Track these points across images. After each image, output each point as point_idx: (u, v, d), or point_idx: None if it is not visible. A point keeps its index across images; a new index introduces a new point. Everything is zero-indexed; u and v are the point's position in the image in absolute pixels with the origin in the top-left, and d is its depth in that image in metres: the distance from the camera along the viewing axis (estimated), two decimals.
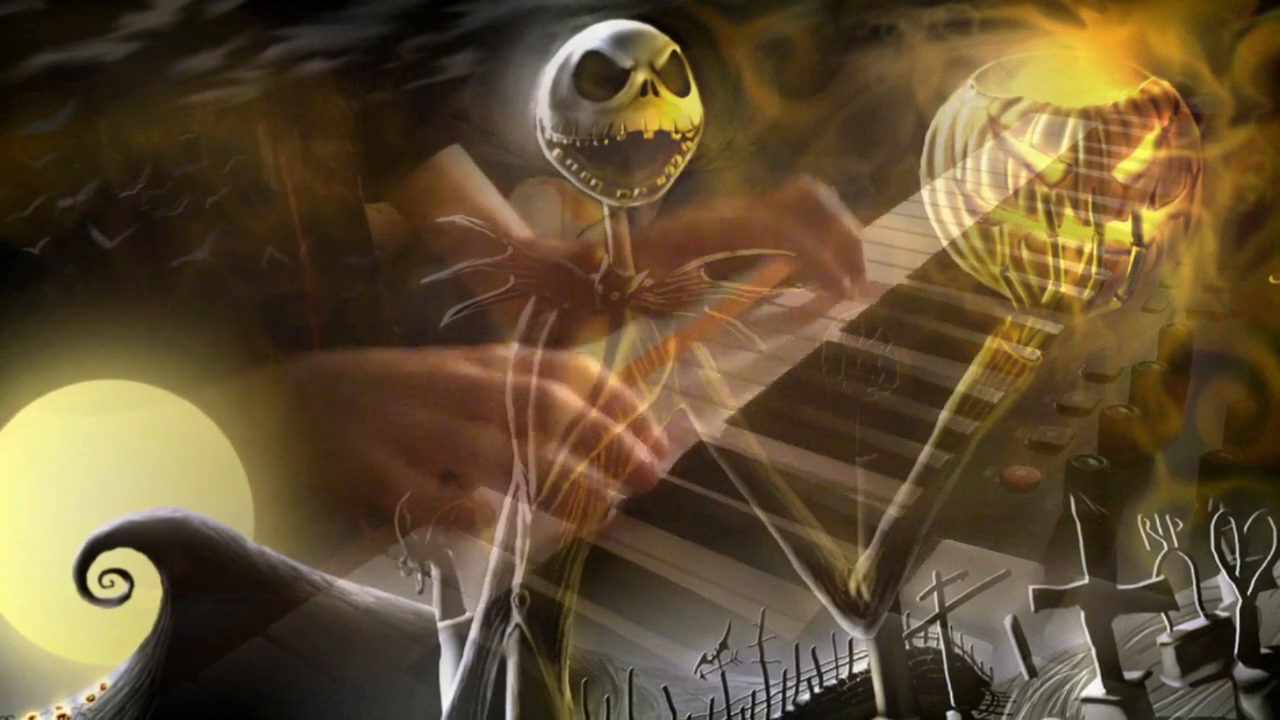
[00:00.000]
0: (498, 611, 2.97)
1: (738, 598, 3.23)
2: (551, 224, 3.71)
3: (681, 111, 2.88)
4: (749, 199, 3.59)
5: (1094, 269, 3.59)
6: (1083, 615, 3.27)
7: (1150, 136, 3.61)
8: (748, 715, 3.25)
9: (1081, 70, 3.63)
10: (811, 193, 3.64)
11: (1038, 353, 3.57)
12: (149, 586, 3.20)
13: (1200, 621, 3.32)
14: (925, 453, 3.26)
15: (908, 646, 3.17)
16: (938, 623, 3.17)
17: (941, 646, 3.16)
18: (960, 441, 3.34)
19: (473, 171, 3.67)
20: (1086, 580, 3.27)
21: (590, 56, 2.86)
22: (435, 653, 3.23)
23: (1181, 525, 3.33)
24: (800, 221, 3.62)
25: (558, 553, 2.98)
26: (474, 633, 2.98)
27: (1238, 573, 3.28)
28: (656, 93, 2.85)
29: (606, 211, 2.94)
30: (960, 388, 3.43)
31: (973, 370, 3.51)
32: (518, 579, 2.96)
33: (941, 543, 3.35)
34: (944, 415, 3.36)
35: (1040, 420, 3.78)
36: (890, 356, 3.41)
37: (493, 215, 3.59)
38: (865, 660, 3.20)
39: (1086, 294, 3.61)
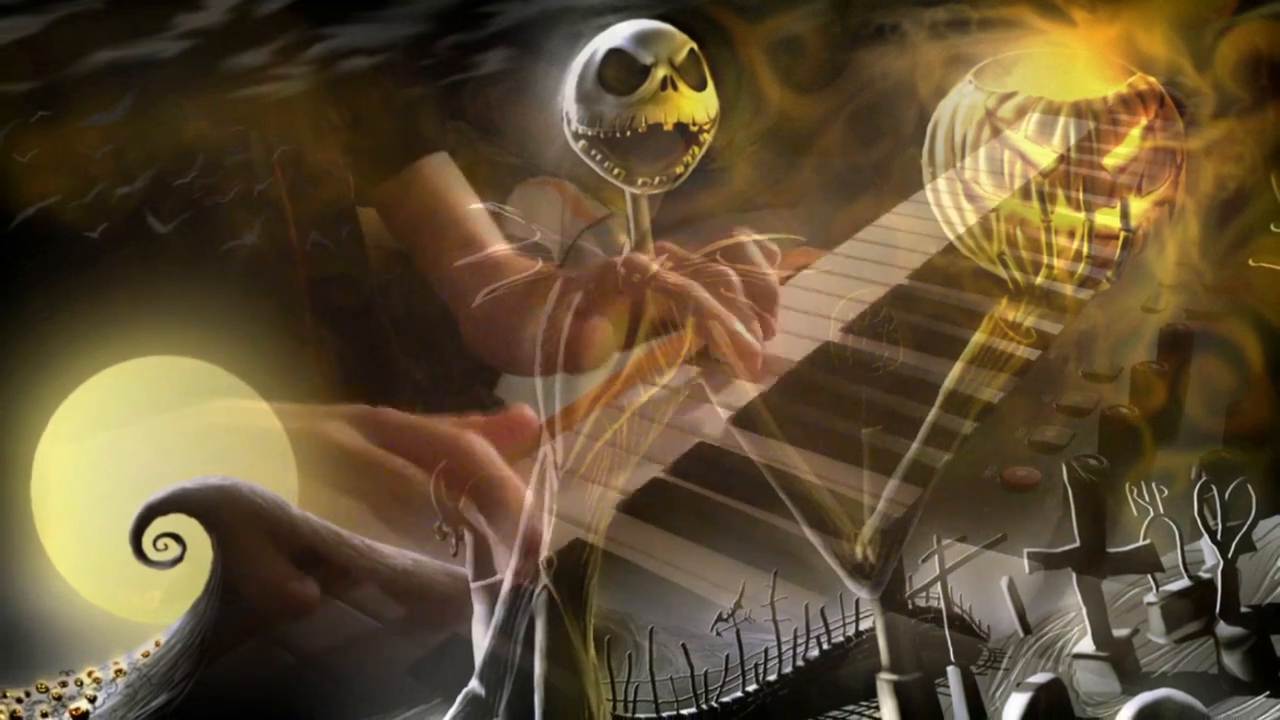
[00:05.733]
0: (526, 573, 2.98)
1: (734, 595, 3.25)
2: (551, 223, 3.71)
3: (699, 105, 2.89)
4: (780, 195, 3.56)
5: (1085, 252, 3.60)
6: (1074, 577, 3.30)
7: (1137, 129, 3.61)
8: (760, 670, 3.28)
9: (1073, 66, 3.63)
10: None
11: (1034, 346, 3.59)
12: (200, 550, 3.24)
13: (1184, 582, 3.36)
14: (918, 446, 3.30)
15: (910, 606, 3.20)
16: (938, 583, 3.21)
17: (942, 606, 3.19)
18: (954, 437, 3.37)
19: (456, 178, 3.66)
20: (1078, 544, 3.30)
21: (614, 53, 2.87)
22: (434, 652, 3.26)
23: (1167, 492, 3.36)
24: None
25: (582, 527, 3.01)
26: (504, 593, 3.00)
27: (1219, 537, 3.31)
28: (676, 88, 2.86)
29: (629, 199, 2.95)
30: (956, 371, 3.46)
31: (971, 348, 3.53)
32: (545, 542, 2.98)
33: (942, 542, 3.35)
34: (946, 386, 3.40)
35: (1040, 420, 3.75)
36: (894, 334, 3.43)
37: (470, 223, 3.58)
38: (870, 619, 3.23)
39: (1077, 277, 3.63)
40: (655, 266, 2.99)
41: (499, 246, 3.40)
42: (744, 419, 3.16)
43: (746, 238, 3.17)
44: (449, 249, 3.49)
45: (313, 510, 3.28)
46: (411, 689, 3.25)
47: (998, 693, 3.27)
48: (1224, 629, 3.28)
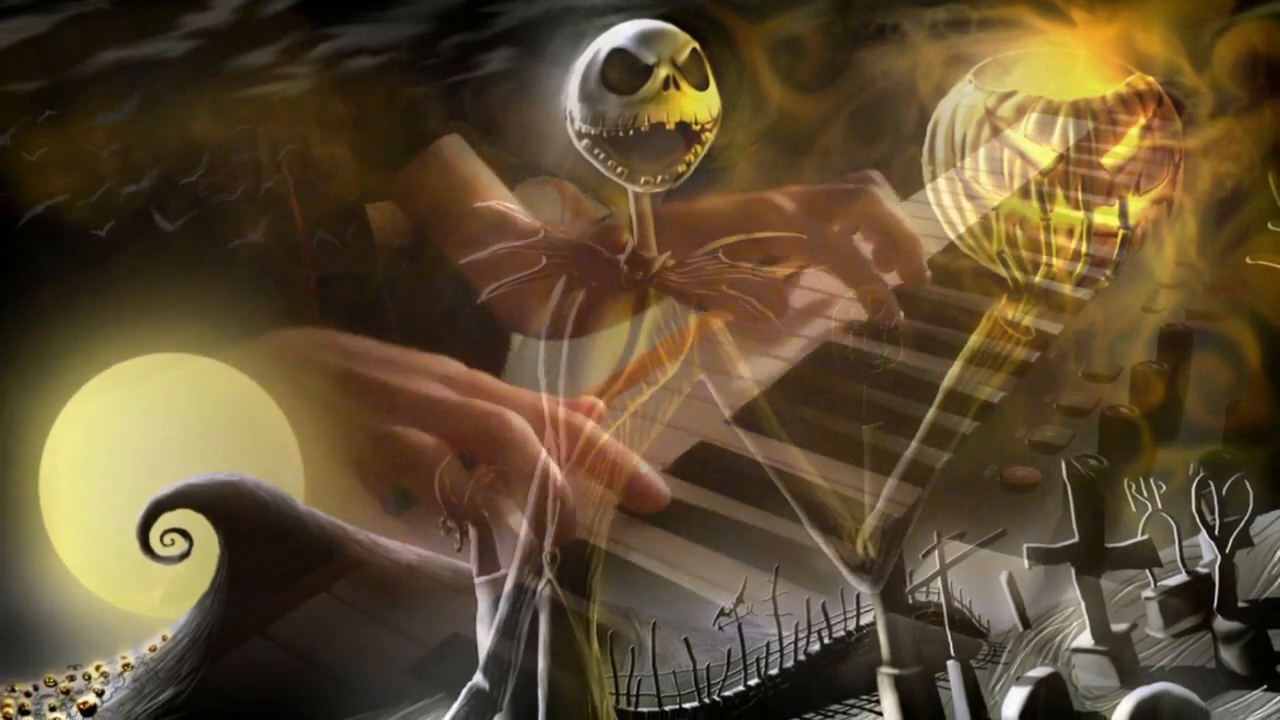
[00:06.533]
0: (530, 569, 2.99)
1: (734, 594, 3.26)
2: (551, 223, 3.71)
3: (701, 104, 2.89)
4: (806, 193, 3.59)
5: (1083, 250, 3.61)
6: (1073, 572, 3.31)
7: (1136, 128, 3.62)
8: (762, 664, 3.29)
9: (1072, 66, 3.63)
10: (869, 187, 3.64)
11: (1032, 330, 3.60)
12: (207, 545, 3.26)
13: (1182, 577, 3.37)
14: (917, 445, 3.31)
15: (911, 601, 3.20)
16: (938, 578, 3.21)
17: (942, 601, 3.20)
18: (954, 436, 3.38)
19: (475, 163, 3.67)
20: (1077, 540, 3.31)
21: (616, 53, 2.87)
22: (435, 651, 3.28)
23: (1165, 488, 3.37)
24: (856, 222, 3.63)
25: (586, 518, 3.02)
26: (508, 588, 3.01)
27: (1217, 532, 3.32)
28: (678, 87, 2.86)
29: (631, 197, 2.95)
30: (956, 370, 3.47)
31: (971, 347, 3.54)
32: (549, 539, 2.98)
33: (942, 538, 3.35)
34: (945, 385, 3.41)
35: (1040, 420, 3.75)
36: (894, 333, 3.44)
37: (493, 209, 3.59)
38: (871, 614, 3.24)
39: (1076, 275, 3.63)
40: (659, 264, 2.99)
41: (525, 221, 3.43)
42: (747, 419, 3.16)
43: (748, 235, 3.16)
44: (469, 237, 3.49)
45: (319, 505, 3.30)
46: (413, 688, 3.27)
47: (997, 687, 3.28)
48: (1221, 624, 3.29)
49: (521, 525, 3.02)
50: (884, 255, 3.61)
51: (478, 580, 3.06)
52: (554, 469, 3.01)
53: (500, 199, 3.56)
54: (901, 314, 3.59)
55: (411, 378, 3.34)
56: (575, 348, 3.02)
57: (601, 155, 2.89)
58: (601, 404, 3.04)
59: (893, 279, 3.62)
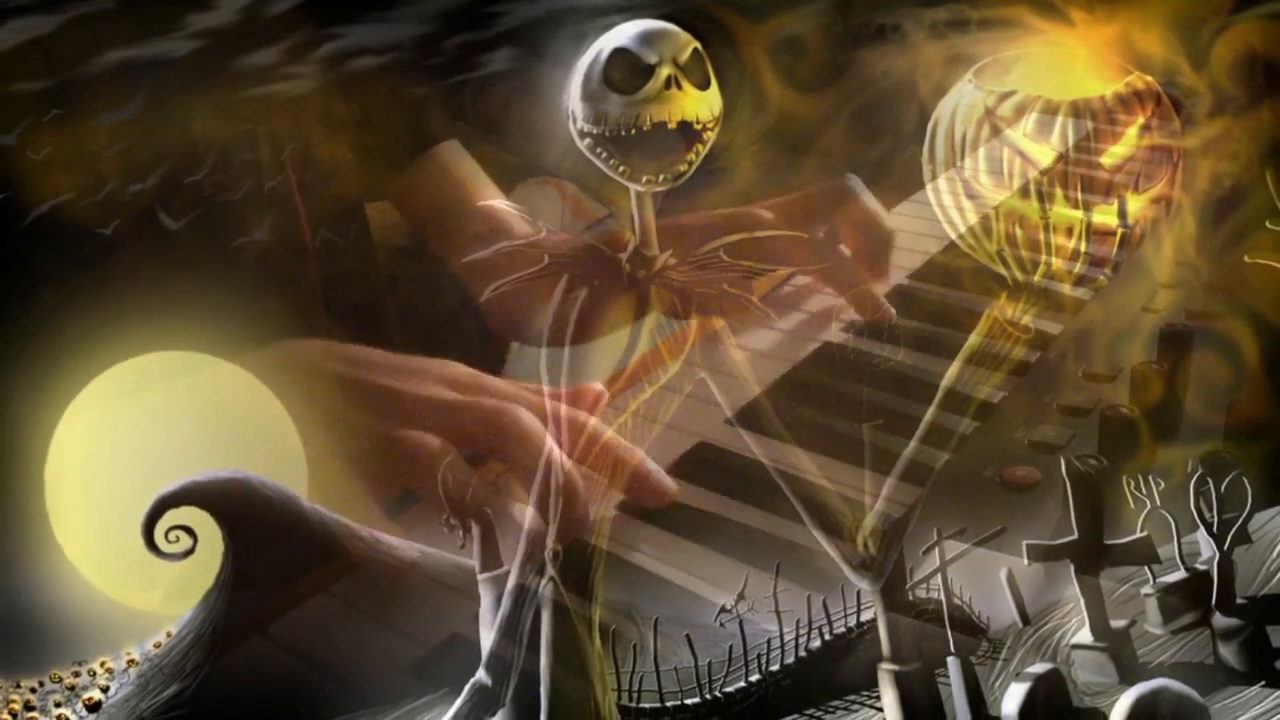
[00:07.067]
0: (533, 565, 3.00)
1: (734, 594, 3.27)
2: (551, 223, 3.71)
3: (703, 104, 2.89)
4: (783, 193, 3.60)
5: (1083, 249, 3.62)
6: (1073, 569, 3.32)
7: (1134, 127, 3.63)
8: (763, 660, 3.30)
9: (1072, 66, 3.64)
10: (847, 187, 3.66)
11: (1031, 329, 3.61)
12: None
13: (1181, 574, 3.38)
14: (916, 444, 3.32)
15: (911, 598, 3.21)
16: (938, 575, 3.22)
17: (942, 598, 3.21)
18: (954, 435, 3.39)
19: (472, 168, 3.68)
20: (1076, 536, 3.32)
21: (619, 53, 2.87)
22: (435, 651, 3.29)
23: (1164, 485, 3.38)
24: (836, 213, 3.65)
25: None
26: (511, 585, 3.01)
27: (1215, 529, 3.33)
28: (680, 86, 2.87)
29: (633, 196, 2.96)
30: (955, 370, 3.48)
31: (970, 346, 3.55)
32: (551, 536, 2.99)
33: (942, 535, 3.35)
34: (945, 384, 3.42)
35: (1039, 420, 3.77)
36: (895, 333, 3.45)
37: (493, 210, 3.60)
38: (872, 610, 3.24)
39: (1075, 274, 3.64)
40: (660, 263, 2.99)
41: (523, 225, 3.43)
42: (748, 418, 3.17)
43: (749, 234, 3.16)
44: (471, 237, 3.50)
45: (322, 502, 3.31)
46: (414, 688, 3.27)
47: (997, 683, 3.29)
48: (1220, 620, 3.29)
49: (524, 521, 3.02)
50: (863, 255, 3.64)
51: (480, 577, 3.07)
52: (557, 465, 3.02)
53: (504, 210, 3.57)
54: (894, 312, 3.60)
55: (416, 381, 3.35)
56: (577, 345, 3.03)
57: (604, 154, 2.90)
58: (603, 388, 3.04)
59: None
